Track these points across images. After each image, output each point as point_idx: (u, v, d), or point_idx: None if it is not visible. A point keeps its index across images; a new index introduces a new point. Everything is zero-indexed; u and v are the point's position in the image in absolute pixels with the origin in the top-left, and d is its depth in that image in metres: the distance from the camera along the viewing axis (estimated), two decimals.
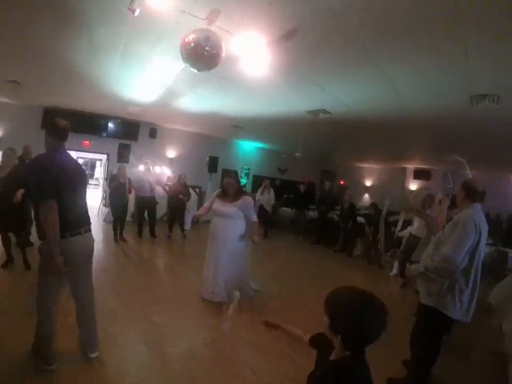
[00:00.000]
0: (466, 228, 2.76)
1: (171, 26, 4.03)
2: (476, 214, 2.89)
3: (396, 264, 7.40)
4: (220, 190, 5.19)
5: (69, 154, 2.89)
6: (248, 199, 4.98)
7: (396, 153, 12.73)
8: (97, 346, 3.11)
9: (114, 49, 5.03)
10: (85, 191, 2.98)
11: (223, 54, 3.73)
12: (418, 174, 15.49)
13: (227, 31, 3.95)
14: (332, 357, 1.38)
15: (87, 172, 21.04)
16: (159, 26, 4.06)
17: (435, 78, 4.83)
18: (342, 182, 17.90)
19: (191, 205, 9.64)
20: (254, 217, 4.98)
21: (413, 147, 11.09)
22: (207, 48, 3.49)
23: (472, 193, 3.00)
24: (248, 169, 16.10)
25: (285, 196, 13.04)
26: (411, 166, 15.68)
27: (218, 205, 4.92)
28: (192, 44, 3.49)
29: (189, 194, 9.12)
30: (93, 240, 2.99)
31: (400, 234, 7.40)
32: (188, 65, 3.77)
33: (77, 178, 2.82)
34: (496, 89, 4.91)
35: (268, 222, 10.82)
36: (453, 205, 3.53)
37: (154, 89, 7.27)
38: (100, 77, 6.59)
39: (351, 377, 1.26)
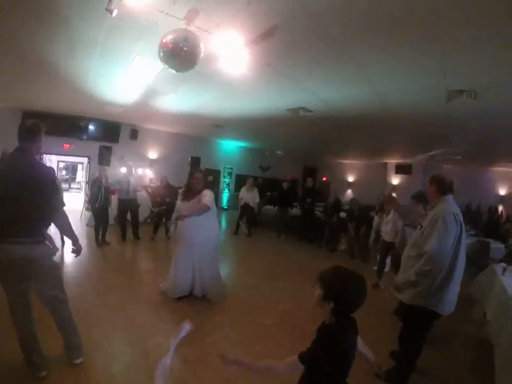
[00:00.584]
0: (446, 221, 2.77)
1: (150, 26, 4.01)
2: (451, 205, 2.92)
3: (379, 257, 7.50)
4: (183, 188, 4.93)
5: (26, 158, 2.68)
6: (206, 192, 4.67)
7: (377, 148, 12.91)
8: (80, 352, 3.06)
9: (93, 46, 4.96)
10: (39, 199, 2.64)
11: (201, 54, 3.73)
12: (399, 169, 15.65)
13: (206, 31, 3.96)
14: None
15: (68, 175, 20.72)
16: (138, 25, 4.04)
17: (412, 75, 4.94)
18: (324, 179, 18.05)
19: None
20: (205, 200, 4.57)
21: (393, 142, 11.23)
22: (185, 49, 3.48)
23: (443, 185, 3.04)
24: (231, 168, 16.14)
25: (268, 193, 13.08)
26: (392, 161, 15.85)
27: (182, 205, 4.74)
28: (171, 45, 3.48)
29: (173, 196, 9.03)
30: (35, 253, 2.65)
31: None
32: (166, 65, 3.77)
33: (23, 184, 2.58)
34: (473, 85, 5.03)
35: (252, 220, 10.84)
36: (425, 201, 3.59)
37: (135, 89, 7.22)
38: (78, 75, 6.49)
39: (334, 336, 1.59)
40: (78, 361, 3.01)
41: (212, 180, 15.22)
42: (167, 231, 9.02)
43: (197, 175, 4.76)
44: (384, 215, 6.52)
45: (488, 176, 14.30)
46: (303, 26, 3.79)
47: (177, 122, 11.23)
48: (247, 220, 10.76)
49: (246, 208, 10.54)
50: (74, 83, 6.98)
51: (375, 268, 7.10)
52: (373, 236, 7.43)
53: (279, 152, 11.69)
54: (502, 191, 13.99)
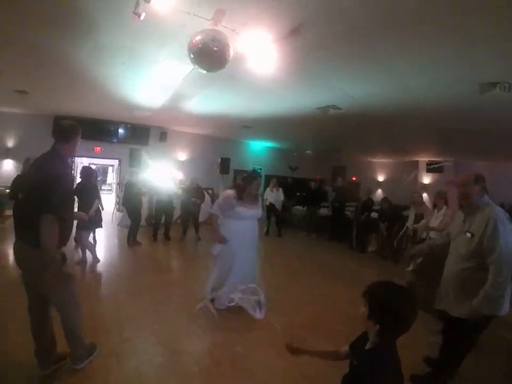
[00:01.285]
0: (503, 222, 2.61)
1: (177, 28, 4.04)
2: (495, 205, 2.76)
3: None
4: (234, 191, 4.59)
5: (44, 158, 2.66)
6: (259, 197, 4.91)
7: (407, 146, 12.60)
8: (80, 361, 2.95)
9: (121, 51, 5.06)
10: (32, 199, 2.52)
11: (231, 53, 3.72)
12: (430, 167, 15.15)
13: (233, 30, 3.93)
14: (367, 347, 1.56)
15: (99, 178, 21.12)
16: (165, 28, 4.08)
17: (442, 68, 4.77)
18: (354, 178, 17.75)
19: (205, 205, 9.66)
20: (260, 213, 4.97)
21: (424, 140, 10.94)
22: (215, 48, 3.48)
23: (485, 185, 2.84)
24: (260, 169, 16.08)
25: (298, 194, 12.99)
26: (423, 159, 15.39)
27: (243, 209, 4.58)
28: (200, 45, 3.49)
29: (202, 197, 9.20)
30: (25, 254, 2.62)
31: (415, 226, 7.28)
32: (196, 66, 3.77)
33: (25, 184, 2.71)
34: (506, 77, 4.81)
35: (279, 220, 10.82)
36: None
37: (162, 93, 7.31)
38: (106, 81, 6.64)
39: (383, 361, 1.46)
40: (77, 367, 2.91)
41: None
42: (196, 231, 9.13)
43: (259, 179, 4.89)
44: (436, 210, 6.26)
45: None
46: (330, 23, 3.73)
47: (205, 124, 11.30)
48: (275, 221, 10.74)
49: (271, 208, 10.58)
50: (103, 88, 7.13)
51: (410, 268, 6.92)
52: (409, 231, 7.32)
53: (308, 151, 11.57)
54: None
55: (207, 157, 13.57)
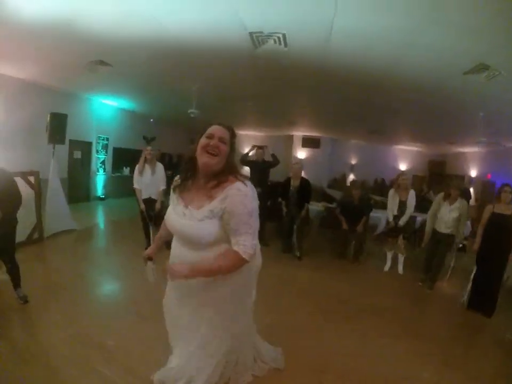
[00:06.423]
0: None
1: None
2: None
3: (389, 255, 5.77)
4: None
5: None
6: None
7: (288, 118, 11.23)
8: None
9: None
10: None
11: None
12: (307, 142, 14.57)
13: None
14: None
15: None
16: None
17: None
18: None
19: (23, 210, 3.72)
20: None
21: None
22: None
23: None
24: (107, 139, 11.13)
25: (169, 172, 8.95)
26: (299, 134, 14.48)
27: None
28: None
29: (13, 195, 3.40)
30: None
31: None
32: None
33: None
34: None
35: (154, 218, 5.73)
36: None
37: None
38: None
39: None
40: None
41: (80, 157, 10.26)
42: (16, 285, 3.55)
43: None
44: (448, 202, 4.85)
45: (390, 153, 15.29)
46: None
47: (32, 48, 5.49)
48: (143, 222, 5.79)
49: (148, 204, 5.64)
50: None
51: (387, 268, 5.70)
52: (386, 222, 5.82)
53: (191, 111, 7.35)
54: (403, 167, 15.15)
55: (26, 119, 7.68)
